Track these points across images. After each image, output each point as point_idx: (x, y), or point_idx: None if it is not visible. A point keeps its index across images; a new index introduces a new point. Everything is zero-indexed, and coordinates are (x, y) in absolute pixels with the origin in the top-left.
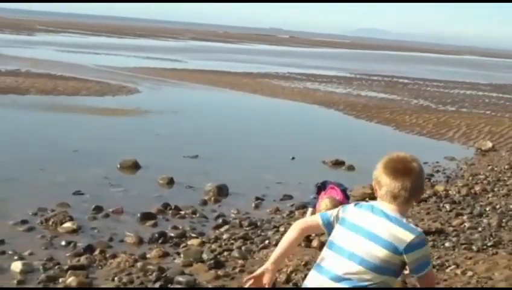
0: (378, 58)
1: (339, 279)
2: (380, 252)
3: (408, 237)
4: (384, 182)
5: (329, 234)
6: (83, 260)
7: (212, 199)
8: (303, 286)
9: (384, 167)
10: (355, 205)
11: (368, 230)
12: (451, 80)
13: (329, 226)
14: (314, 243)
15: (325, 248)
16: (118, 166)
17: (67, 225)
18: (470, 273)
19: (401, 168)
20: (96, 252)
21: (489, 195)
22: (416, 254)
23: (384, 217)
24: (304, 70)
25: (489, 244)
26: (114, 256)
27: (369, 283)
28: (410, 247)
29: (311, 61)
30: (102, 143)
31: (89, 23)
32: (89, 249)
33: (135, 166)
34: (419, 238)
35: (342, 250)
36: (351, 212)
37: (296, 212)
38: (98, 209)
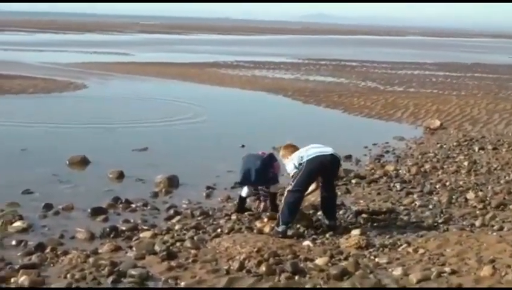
0: (326, 42)
1: None
2: None
3: None
4: None
5: None
6: (34, 258)
7: (163, 190)
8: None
9: None
10: None
11: None
12: (399, 61)
13: None
14: (267, 229)
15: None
16: (67, 163)
17: (17, 224)
18: (421, 250)
19: None
20: (48, 250)
21: (439, 173)
22: None
23: None
24: (251, 58)
25: (440, 221)
26: (66, 253)
27: None
28: None
29: (259, 48)
30: (50, 140)
31: (32, 21)
32: (40, 247)
33: (84, 162)
34: None
35: None
36: None
37: (248, 200)
38: (48, 207)
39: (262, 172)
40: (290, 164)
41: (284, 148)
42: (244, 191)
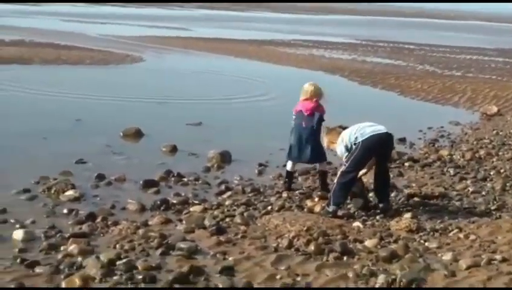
0: (385, 24)
1: None
2: None
3: None
4: None
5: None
6: (84, 227)
7: (215, 165)
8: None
9: None
10: None
11: None
12: (457, 46)
13: None
14: (317, 208)
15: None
16: (121, 134)
17: (70, 193)
18: (472, 237)
19: None
20: (98, 219)
21: (494, 159)
22: None
23: None
24: (309, 37)
25: (492, 208)
26: (116, 223)
27: None
28: None
29: (317, 28)
30: (105, 112)
31: None
32: (91, 216)
33: (138, 134)
34: None
35: None
36: None
37: (299, 178)
38: (100, 177)
39: (315, 149)
40: (340, 146)
41: (328, 134)
42: (289, 165)
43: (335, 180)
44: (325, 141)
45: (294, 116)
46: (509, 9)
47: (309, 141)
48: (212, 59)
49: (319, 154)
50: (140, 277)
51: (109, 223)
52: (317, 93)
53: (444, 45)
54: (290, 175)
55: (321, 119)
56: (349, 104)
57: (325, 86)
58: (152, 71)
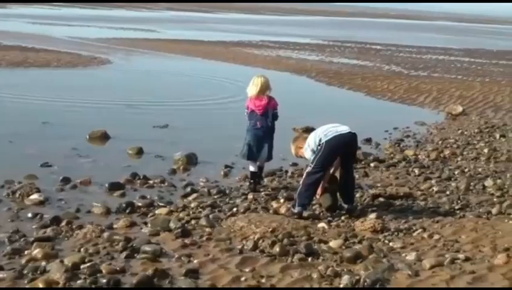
0: (352, 25)
1: None
2: None
3: None
4: None
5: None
6: (49, 231)
7: (181, 168)
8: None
9: None
10: None
11: None
12: (424, 46)
13: None
14: (282, 209)
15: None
16: (87, 137)
17: (34, 196)
18: (436, 236)
19: None
20: (63, 223)
21: (459, 159)
22: None
23: None
24: (277, 38)
25: (456, 207)
26: (81, 227)
27: None
28: None
29: (284, 29)
30: (72, 115)
31: None
32: (56, 220)
33: (104, 137)
34: None
35: None
36: None
37: (265, 180)
38: (66, 180)
39: (271, 147)
40: (307, 151)
41: (295, 142)
42: (252, 166)
43: (301, 182)
44: (292, 148)
45: (246, 114)
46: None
47: (266, 140)
48: (180, 61)
49: (271, 153)
50: (104, 280)
51: (74, 226)
52: (268, 86)
53: (411, 45)
54: (254, 175)
55: (275, 115)
56: (316, 104)
57: (292, 86)
58: (119, 74)
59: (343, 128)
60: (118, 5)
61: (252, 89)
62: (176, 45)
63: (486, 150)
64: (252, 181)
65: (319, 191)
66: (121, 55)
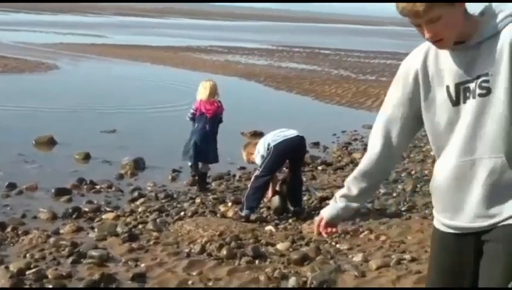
0: (301, 30)
1: None
2: None
3: None
4: None
5: None
6: None
7: (129, 172)
8: None
9: None
10: None
11: None
12: (372, 50)
13: None
14: (230, 213)
15: None
16: (33, 143)
17: None
18: (383, 237)
19: None
20: (8, 229)
21: (405, 161)
22: None
23: None
24: (225, 43)
25: (403, 209)
26: (26, 233)
27: None
28: None
29: (233, 34)
30: (18, 120)
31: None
32: (1, 226)
33: (51, 142)
34: None
35: None
36: None
37: (213, 184)
38: (11, 186)
39: (216, 149)
40: (258, 157)
41: (246, 148)
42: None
43: (249, 185)
44: (244, 154)
45: (191, 115)
46: None
47: (212, 143)
48: (128, 66)
49: (217, 155)
50: (50, 285)
51: (20, 232)
52: (217, 90)
53: (359, 50)
54: (202, 175)
55: (221, 120)
56: (264, 109)
57: (241, 91)
58: (67, 79)
59: (292, 132)
60: (64, 9)
61: (202, 93)
62: (123, 50)
63: (432, 152)
64: (199, 181)
65: (269, 193)
66: (69, 60)
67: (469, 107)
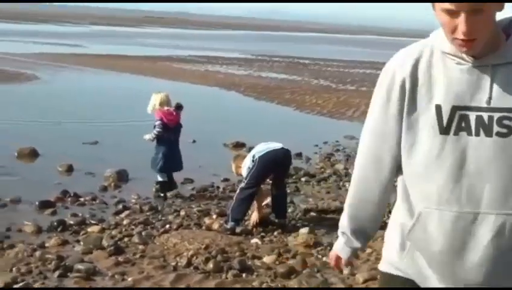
0: (280, 39)
1: None
2: None
3: None
4: None
5: None
6: None
7: (112, 184)
8: None
9: None
10: None
11: None
12: (352, 60)
13: None
14: (215, 225)
15: None
16: (15, 155)
17: None
18: (369, 250)
19: None
20: None
21: None
22: None
23: None
24: (205, 52)
25: (388, 221)
26: (12, 246)
27: None
28: None
29: (212, 43)
30: None
31: None
32: None
33: (33, 154)
34: None
35: None
36: None
37: (197, 195)
38: None
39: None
40: (245, 170)
41: (235, 161)
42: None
43: (234, 197)
44: (233, 167)
45: (157, 125)
46: (397, 23)
47: (178, 151)
48: (108, 76)
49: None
50: None
51: (5, 246)
52: (169, 100)
53: (339, 59)
54: (168, 184)
55: (181, 126)
56: (245, 120)
57: (221, 101)
58: (47, 89)
59: (277, 145)
60: (43, 19)
61: (161, 103)
62: (102, 60)
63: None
64: (162, 193)
65: (255, 213)
66: (48, 70)
67: (471, 143)
